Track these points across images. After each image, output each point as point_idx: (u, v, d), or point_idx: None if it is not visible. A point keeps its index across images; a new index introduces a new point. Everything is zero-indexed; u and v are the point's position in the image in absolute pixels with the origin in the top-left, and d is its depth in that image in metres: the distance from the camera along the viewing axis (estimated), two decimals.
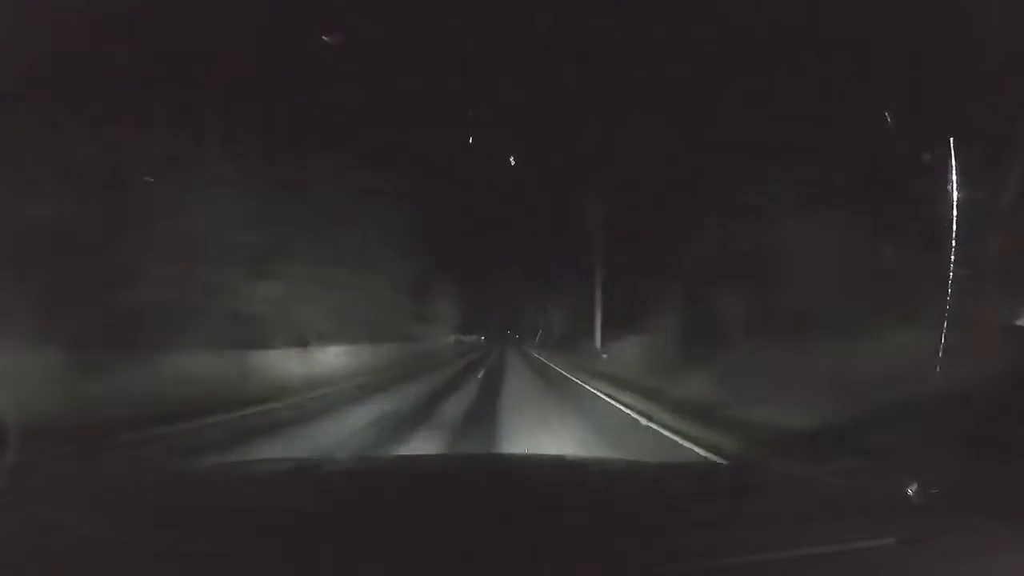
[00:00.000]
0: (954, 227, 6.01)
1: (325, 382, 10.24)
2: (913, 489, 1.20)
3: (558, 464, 2.16)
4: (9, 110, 6.07)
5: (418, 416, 7.14)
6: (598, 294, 21.16)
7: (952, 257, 5.97)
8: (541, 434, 5.94)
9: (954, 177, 6.01)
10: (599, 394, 10.12)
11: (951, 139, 6.06)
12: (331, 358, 12.78)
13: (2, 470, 0.92)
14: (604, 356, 18.08)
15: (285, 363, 10.65)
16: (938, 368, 5.46)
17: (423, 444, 5.27)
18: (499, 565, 0.84)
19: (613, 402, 8.95)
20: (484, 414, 7.36)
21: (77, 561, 0.82)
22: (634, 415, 7.44)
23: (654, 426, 6.49)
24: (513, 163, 19.42)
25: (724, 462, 4.28)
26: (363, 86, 13.32)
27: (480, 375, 14.95)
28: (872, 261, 7.21)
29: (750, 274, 9.42)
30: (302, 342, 11.87)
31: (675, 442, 5.55)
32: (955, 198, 6.01)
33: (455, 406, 8.24)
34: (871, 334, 6.42)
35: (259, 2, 9.54)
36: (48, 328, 5.69)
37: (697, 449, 5.05)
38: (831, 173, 8.07)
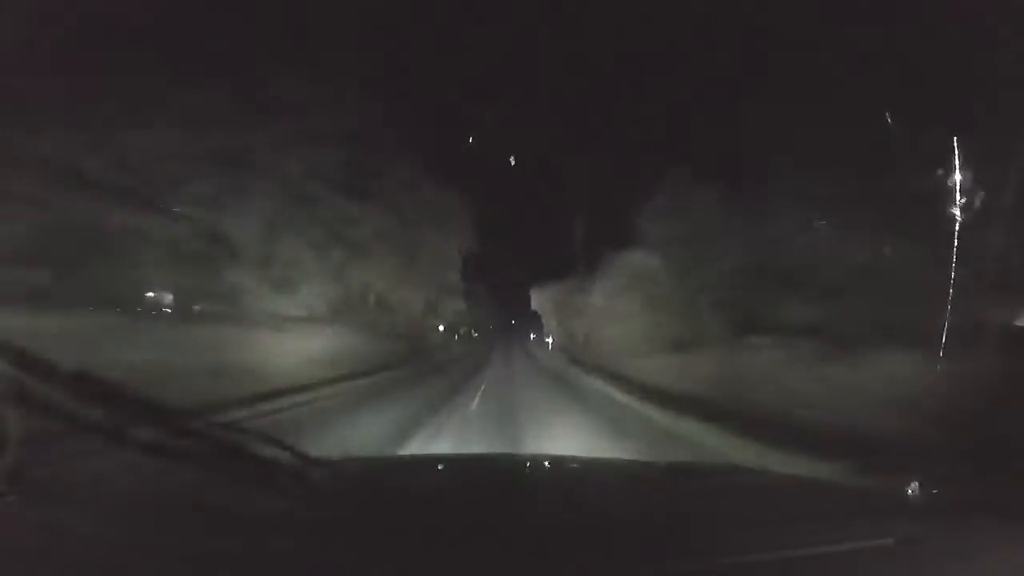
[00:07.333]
0: (956, 227, 6.00)
1: None
2: (913, 489, 1.20)
3: (560, 465, 2.16)
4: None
5: None
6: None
7: (954, 257, 5.96)
8: None
9: (957, 177, 6.00)
10: None
11: (954, 139, 6.04)
12: None
13: (2, 472, 0.91)
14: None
15: None
16: (939, 367, 5.45)
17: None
18: (498, 565, 0.84)
19: None
20: None
21: (79, 563, 0.82)
22: None
23: None
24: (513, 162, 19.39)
25: (726, 463, 4.27)
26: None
27: None
28: (872, 259, 7.20)
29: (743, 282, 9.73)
30: None
31: None
32: (957, 198, 6.00)
33: None
34: (870, 334, 6.41)
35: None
36: None
37: None
38: (831, 173, 8.04)
